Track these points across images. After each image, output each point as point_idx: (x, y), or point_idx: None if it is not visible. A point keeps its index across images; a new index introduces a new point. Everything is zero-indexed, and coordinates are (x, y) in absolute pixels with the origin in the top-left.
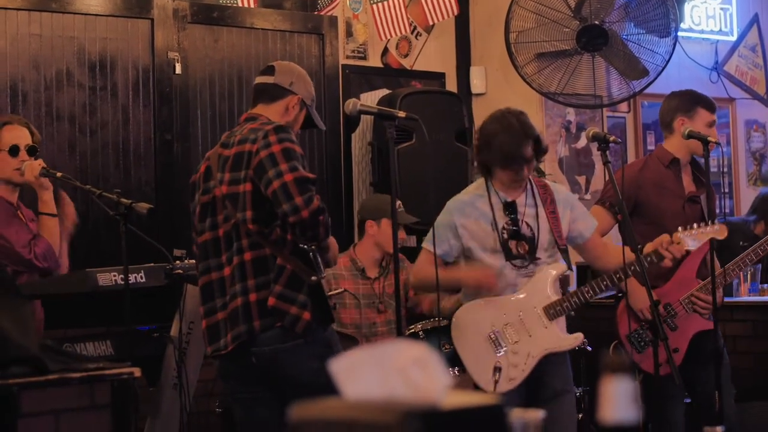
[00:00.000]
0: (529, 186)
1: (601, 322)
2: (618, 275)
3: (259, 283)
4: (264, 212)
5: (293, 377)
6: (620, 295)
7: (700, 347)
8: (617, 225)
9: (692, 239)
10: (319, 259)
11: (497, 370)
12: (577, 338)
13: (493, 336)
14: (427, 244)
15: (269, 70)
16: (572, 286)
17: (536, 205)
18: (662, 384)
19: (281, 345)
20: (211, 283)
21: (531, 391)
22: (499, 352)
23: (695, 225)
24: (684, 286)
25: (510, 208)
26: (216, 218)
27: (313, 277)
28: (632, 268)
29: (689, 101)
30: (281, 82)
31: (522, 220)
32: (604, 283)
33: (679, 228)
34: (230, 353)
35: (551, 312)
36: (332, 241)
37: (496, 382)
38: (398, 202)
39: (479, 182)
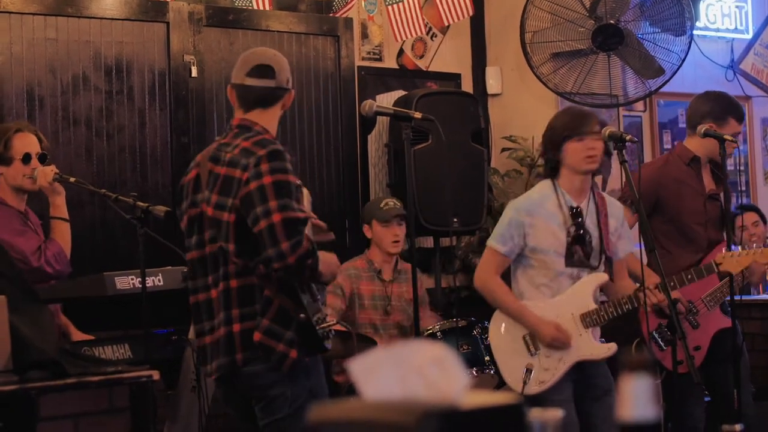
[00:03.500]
0: (591, 194)
1: (618, 320)
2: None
3: (244, 313)
4: (248, 245)
5: (265, 399)
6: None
7: (721, 345)
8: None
9: (734, 261)
10: (313, 286)
11: (528, 371)
12: (610, 348)
13: (528, 337)
14: (495, 243)
15: (268, 72)
16: None
17: (597, 213)
18: (682, 382)
19: (262, 366)
20: (199, 304)
21: (581, 390)
22: (532, 354)
23: (740, 248)
24: (705, 283)
25: (576, 212)
26: (203, 236)
27: (302, 315)
28: (628, 301)
29: (722, 109)
30: (282, 83)
31: (584, 225)
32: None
33: (723, 250)
34: (216, 379)
35: (587, 320)
36: (323, 256)
37: (524, 383)
38: (385, 201)
39: (544, 184)
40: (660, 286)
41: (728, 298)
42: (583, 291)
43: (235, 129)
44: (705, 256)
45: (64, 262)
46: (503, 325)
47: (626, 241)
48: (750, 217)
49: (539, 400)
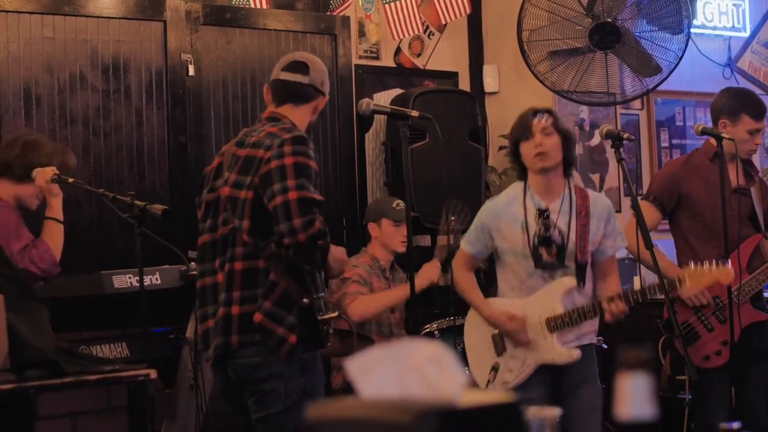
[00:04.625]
0: (567, 192)
1: (625, 317)
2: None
3: (245, 296)
4: (262, 224)
5: (258, 393)
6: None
7: (750, 341)
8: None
9: (695, 278)
10: (318, 277)
11: (494, 369)
12: (571, 355)
13: (496, 338)
14: (463, 243)
15: (302, 68)
16: None
17: (570, 213)
18: (704, 380)
19: (257, 358)
20: (205, 288)
21: (555, 385)
22: (499, 354)
23: (706, 263)
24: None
25: (543, 214)
26: (216, 220)
27: (305, 299)
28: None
29: (736, 105)
30: (315, 82)
31: (554, 226)
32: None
33: (690, 263)
34: (212, 363)
35: (552, 324)
36: (333, 250)
37: (489, 381)
38: (397, 201)
39: (516, 185)
40: (657, 287)
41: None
42: (551, 295)
43: (264, 120)
44: (732, 251)
45: (49, 261)
46: (474, 323)
47: (615, 238)
48: None
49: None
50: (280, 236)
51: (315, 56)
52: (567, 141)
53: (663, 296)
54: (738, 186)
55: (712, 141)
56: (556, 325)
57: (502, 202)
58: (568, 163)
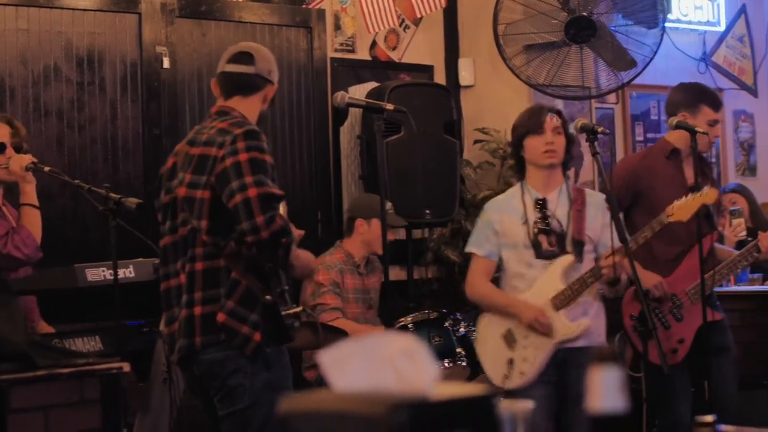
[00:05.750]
0: (563, 186)
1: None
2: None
3: (207, 296)
4: (220, 223)
5: (223, 389)
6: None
7: (706, 338)
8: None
9: (683, 209)
10: (281, 273)
11: (510, 363)
12: (581, 324)
13: (506, 333)
14: (473, 248)
15: (246, 58)
16: None
17: (569, 203)
18: (666, 377)
19: (221, 354)
20: (170, 290)
21: (560, 391)
22: (512, 347)
23: (685, 196)
24: (689, 276)
25: (541, 203)
26: (175, 221)
27: (268, 297)
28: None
29: (693, 97)
30: (262, 72)
31: (553, 216)
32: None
33: (675, 201)
34: (178, 364)
35: (557, 302)
36: (300, 253)
37: (506, 376)
38: (389, 204)
39: (514, 186)
40: (631, 278)
41: (716, 289)
42: (550, 277)
43: (213, 115)
44: (687, 249)
45: (33, 246)
46: (483, 328)
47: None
48: (729, 197)
49: (514, 395)
50: (242, 234)
51: (261, 45)
52: (571, 143)
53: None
54: (693, 183)
55: (668, 138)
56: (560, 301)
57: (502, 198)
58: (566, 163)
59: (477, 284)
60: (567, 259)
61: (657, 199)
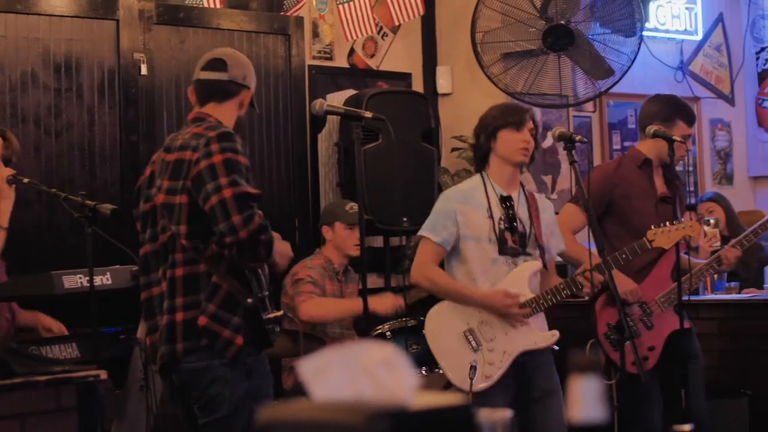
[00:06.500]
0: (521, 188)
1: (572, 321)
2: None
3: (188, 302)
4: (200, 227)
5: (203, 398)
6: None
7: (676, 346)
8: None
9: (665, 237)
10: (262, 275)
11: (473, 368)
12: (553, 335)
13: (468, 334)
14: (428, 233)
15: (219, 65)
16: None
17: (528, 204)
18: (638, 384)
19: (201, 363)
20: (153, 298)
21: (521, 391)
22: (475, 350)
23: (668, 223)
24: (659, 285)
25: (506, 201)
26: (155, 228)
27: (249, 300)
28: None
29: (670, 111)
30: (236, 78)
31: (516, 215)
32: (579, 284)
33: (652, 226)
34: (159, 372)
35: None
36: (282, 243)
37: (471, 380)
38: (350, 204)
39: (474, 177)
40: (604, 285)
41: (684, 298)
42: (518, 280)
43: (189, 122)
44: (657, 258)
45: None
46: (441, 322)
47: (558, 239)
48: (693, 216)
49: (481, 397)
50: (221, 236)
51: (234, 50)
52: (536, 147)
53: (614, 294)
54: (662, 194)
55: (640, 148)
56: (531, 310)
57: (466, 188)
58: (525, 165)
59: (429, 269)
60: (534, 264)
61: (629, 209)
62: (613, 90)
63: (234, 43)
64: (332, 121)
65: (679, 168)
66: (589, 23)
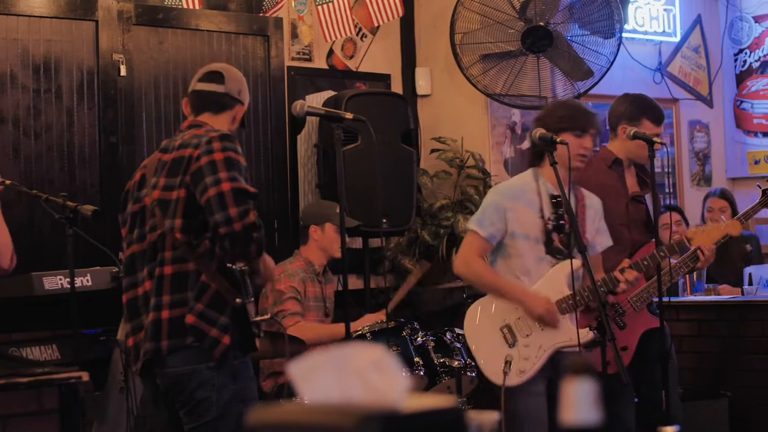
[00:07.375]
0: (570, 186)
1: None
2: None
3: (175, 300)
4: (195, 222)
5: (190, 402)
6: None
7: (648, 346)
8: None
9: (705, 235)
10: (248, 281)
11: (507, 362)
12: (587, 335)
13: (505, 328)
14: (475, 227)
15: (217, 78)
16: None
17: (576, 203)
18: (612, 384)
19: (187, 367)
20: (137, 298)
21: (552, 389)
22: (511, 344)
23: (709, 221)
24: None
25: (556, 201)
26: (144, 228)
27: (238, 300)
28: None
29: (637, 110)
30: (231, 92)
31: (563, 215)
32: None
33: (692, 225)
34: (141, 373)
35: (563, 306)
36: (267, 258)
37: (505, 374)
38: (337, 207)
39: (526, 173)
40: (666, 248)
41: (656, 299)
42: (557, 277)
43: (184, 129)
44: (630, 256)
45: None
46: (479, 318)
47: (604, 235)
48: (673, 217)
49: (516, 391)
50: (216, 226)
51: (232, 66)
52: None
53: (638, 274)
54: (633, 193)
55: (610, 148)
56: (567, 306)
57: (517, 185)
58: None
59: (474, 262)
60: (575, 263)
61: None
62: (592, 91)
63: (213, 44)
64: (311, 122)
65: (657, 169)
66: (568, 24)
